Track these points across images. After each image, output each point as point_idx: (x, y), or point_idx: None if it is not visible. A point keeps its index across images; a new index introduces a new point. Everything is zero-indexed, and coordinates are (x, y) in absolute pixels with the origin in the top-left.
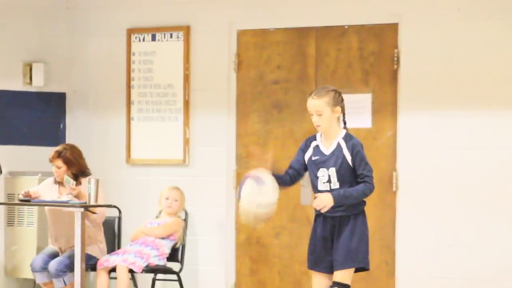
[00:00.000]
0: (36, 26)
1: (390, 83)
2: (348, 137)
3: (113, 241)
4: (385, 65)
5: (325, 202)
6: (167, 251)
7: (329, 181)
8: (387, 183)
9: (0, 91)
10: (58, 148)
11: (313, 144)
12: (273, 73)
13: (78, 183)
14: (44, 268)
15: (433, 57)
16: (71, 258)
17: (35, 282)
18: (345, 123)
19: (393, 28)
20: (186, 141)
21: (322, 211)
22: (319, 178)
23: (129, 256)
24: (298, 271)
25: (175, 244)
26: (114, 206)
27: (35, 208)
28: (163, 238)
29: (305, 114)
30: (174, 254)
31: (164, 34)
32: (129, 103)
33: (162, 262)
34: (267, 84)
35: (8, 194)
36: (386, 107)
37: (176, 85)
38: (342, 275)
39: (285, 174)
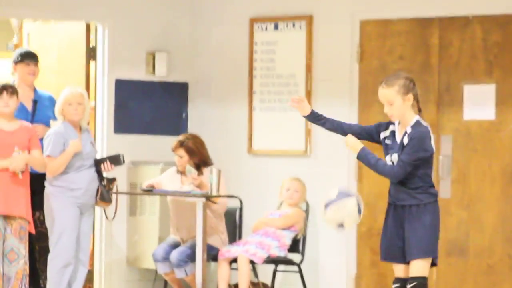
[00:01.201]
0: (159, 16)
1: None
2: (416, 125)
3: (234, 232)
4: (510, 55)
5: (351, 144)
6: (288, 242)
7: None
8: (510, 175)
9: (123, 81)
10: (181, 137)
11: (391, 127)
12: (396, 63)
13: (200, 173)
14: (166, 258)
15: None
16: (193, 248)
17: (156, 272)
18: (420, 110)
19: None
20: (308, 132)
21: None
22: (387, 161)
23: (250, 247)
24: None
25: (296, 235)
26: (236, 197)
27: (157, 198)
28: (284, 229)
29: (428, 105)
30: (295, 246)
31: (287, 24)
32: (251, 92)
33: (283, 253)
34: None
35: (131, 183)
36: (509, 98)
37: (298, 75)
38: (420, 267)
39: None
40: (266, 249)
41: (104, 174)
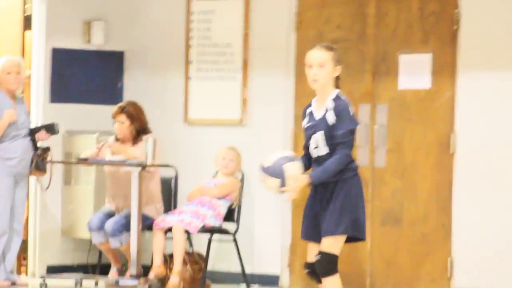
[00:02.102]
0: None
1: (450, 44)
2: (337, 98)
3: (169, 201)
4: (445, 25)
5: (299, 181)
6: (223, 211)
7: (317, 146)
8: (444, 145)
9: (59, 49)
10: (121, 104)
11: (308, 110)
12: (333, 33)
13: (139, 139)
14: (101, 228)
15: (495, 18)
16: (128, 218)
17: (91, 242)
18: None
19: None
20: (244, 101)
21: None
22: (311, 144)
23: (185, 216)
24: None
25: (231, 204)
26: (171, 166)
27: (93, 167)
28: (219, 199)
29: (363, 74)
30: (230, 215)
31: None
32: (187, 62)
33: (218, 222)
34: None
35: (66, 152)
36: (445, 68)
37: (234, 45)
38: (328, 244)
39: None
40: (201, 219)
41: (39, 144)
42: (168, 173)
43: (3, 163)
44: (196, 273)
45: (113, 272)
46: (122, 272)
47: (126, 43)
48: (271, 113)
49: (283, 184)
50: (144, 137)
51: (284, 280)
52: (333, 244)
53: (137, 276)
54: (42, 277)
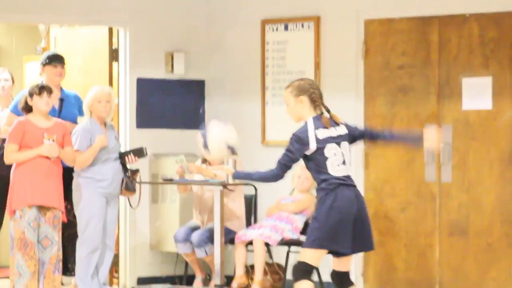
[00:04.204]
0: (177, 19)
1: (509, 67)
2: (303, 124)
3: (250, 216)
4: (505, 50)
5: (226, 170)
6: (300, 225)
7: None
8: (506, 161)
9: (145, 79)
10: None
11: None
12: (398, 59)
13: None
14: (187, 239)
15: None
16: (212, 231)
17: (178, 254)
18: (328, 111)
19: None
20: None
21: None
22: None
23: (265, 230)
24: (423, 244)
25: (308, 219)
26: (251, 184)
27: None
28: (296, 214)
29: (429, 97)
30: (307, 229)
31: (296, 24)
32: (263, 88)
33: (295, 236)
34: (393, 70)
35: (153, 174)
36: (505, 90)
37: (307, 72)
38: (301, 253)
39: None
40: (279, 232)
41: (128, 166)
42: (249, 191)
43: (95, 185)
44: (276, 282)
45: (198, 282)
46: (206, 282)
47: (206, 72)
48: None
49: (205, 145)
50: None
51: None
52: (305, 254)
53: (221, 286)
54: None
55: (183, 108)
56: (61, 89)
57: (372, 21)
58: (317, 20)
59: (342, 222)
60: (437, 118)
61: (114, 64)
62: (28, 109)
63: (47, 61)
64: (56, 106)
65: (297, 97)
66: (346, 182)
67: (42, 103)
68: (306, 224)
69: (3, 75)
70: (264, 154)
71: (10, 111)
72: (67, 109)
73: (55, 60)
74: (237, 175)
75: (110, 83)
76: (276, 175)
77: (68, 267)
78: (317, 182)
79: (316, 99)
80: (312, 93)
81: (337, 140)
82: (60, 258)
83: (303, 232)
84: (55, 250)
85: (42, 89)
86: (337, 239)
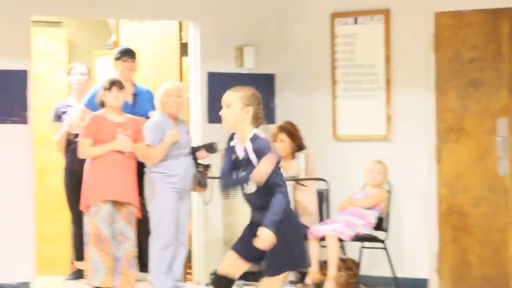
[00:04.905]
0: (247, 13)
1: None
2: (254, 138)
3: (322, 212)
4: None
5: (267, 239)
6: (373, 220)
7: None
8: None
9: (215, 73)
10: (280, 123)
11: (232, 143)
12: (469, 53)
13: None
14: None
15: None
16: None
17: None
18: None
19: None
20: (388, 118)
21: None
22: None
23: (338, 225)
24: (497, 239)
25: (380, 214)
26: (323, 179)
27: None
28: (368, 209)
29: (500, 90)
30: (380, 224)
31: (365, 18)
32: (333, 82)
33: (369, 231)
34: (464, 63)
35: None
36: None
37: (377, 65)
38: None
39: None
40: (353, 228)
41: (200, 161)
42: (320, 186)
43: (167, 180)
44: (350, 278)
45: None
46: None
47: (275, 66)
48: (414, 128)
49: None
50: (296, 154)
51: (433, 284)
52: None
53: (295, 282)
54: (207, 284)
55: None
56: (134, 84)
57: (442, 14)
58: (386, 13)
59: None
60: (509, 111)
61: (184, 58)
62: (102, 104)
63: (118, 55)
64: (130, 101)
65: (246, 106)
66: None
67: (111, 98)
68: (379, 220)
69: (79, 69)
70: (335, 148)
71: (84, 105)
72: (140, 104)
73: (126, 54)
74: (274, 227)
75: (180, 78)
76: (286, 198)
77: (143, 263)
78: None
79: (259, 117)
80: (258, 109)
81: None
82: (135, 254)
83: (376, 227)
84: (130, 246)
85: (112, 83)
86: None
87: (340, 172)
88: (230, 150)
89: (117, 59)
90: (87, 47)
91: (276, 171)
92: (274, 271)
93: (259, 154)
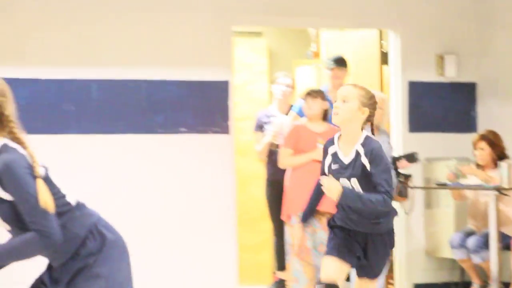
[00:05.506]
0: (447, 21)
1: None
2: (367, 141)
3: None
4: None
5: (333, 190)
6: None
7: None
8: None
9: (415, 82)
10: (482, 132)
11: (331, 150)
12: None
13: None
14: (462, 245)
15: None
16: (487, 236)
17: (453, 261)
18: (373, 132)
19: None
20: None
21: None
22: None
23: None
24: None
25: None
26: None
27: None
28: None
29: None
30: None
31: None
32: None
33: None
34: None
35: (426, 178)
36: None
37: None
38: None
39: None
40: None
41: (401, 171)
42: None
43: None
44: None
45: None
46: None
47: (477, 74)
48: None
49: None
50: (499, 163)
51: None
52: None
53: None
54: None
55: (455, 112)
56: None
57: None
58: None
59: None
60: None
61: (384, 67)
62: None
63: (327, 64)
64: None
65: (363, 105)
66: None
67: (305, 107)
68: None
69: (285, 80)
70: None
71: (295, 112)
72: None
73: (332, 63)
74: (346, 197)
75: (380, 87)
76: (386, 203)
77: None
78: None
79: (371, 123)
80: (372, 113)
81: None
82: None
83: None
84: None
85: (307, 94)
86: None
87: None
88: (334, 156)
89: (327, 68)
90: (287, 56)
91: (384, 169)
92: (377, 274)
93: (374, 158)
